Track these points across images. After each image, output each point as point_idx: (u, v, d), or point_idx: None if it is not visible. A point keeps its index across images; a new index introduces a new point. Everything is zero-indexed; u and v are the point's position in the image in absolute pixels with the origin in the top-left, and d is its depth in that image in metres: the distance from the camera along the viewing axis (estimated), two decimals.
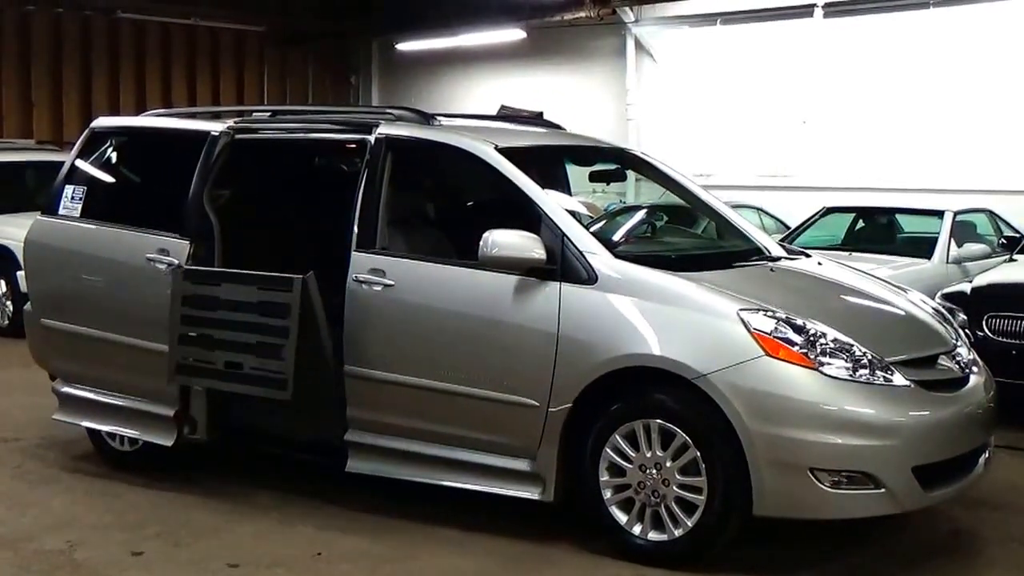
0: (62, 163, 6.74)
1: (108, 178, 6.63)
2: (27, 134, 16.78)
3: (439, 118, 5.94)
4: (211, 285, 5.55)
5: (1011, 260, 9.13)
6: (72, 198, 6.40)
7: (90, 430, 6.40)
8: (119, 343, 6.01)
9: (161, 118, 6.80)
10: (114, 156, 6.62)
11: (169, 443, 5.85)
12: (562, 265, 4.96)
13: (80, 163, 6.53)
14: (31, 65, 17.56)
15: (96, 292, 6.20)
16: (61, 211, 6.42)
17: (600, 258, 4.95)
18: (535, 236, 4.99)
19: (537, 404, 4.93)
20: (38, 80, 17.63)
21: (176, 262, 5.78)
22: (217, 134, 5.95)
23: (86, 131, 6.67)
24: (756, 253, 5.77)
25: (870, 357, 4.67)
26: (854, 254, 9.44)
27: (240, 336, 5.43)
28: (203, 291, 5.54)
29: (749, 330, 4.62)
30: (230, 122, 6.12)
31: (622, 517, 4.84)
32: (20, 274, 10.32)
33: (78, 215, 6.36)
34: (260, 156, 6.39)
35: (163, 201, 6.18)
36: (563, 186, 6.29)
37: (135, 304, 5.99)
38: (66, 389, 6.36)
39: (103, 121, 6.79)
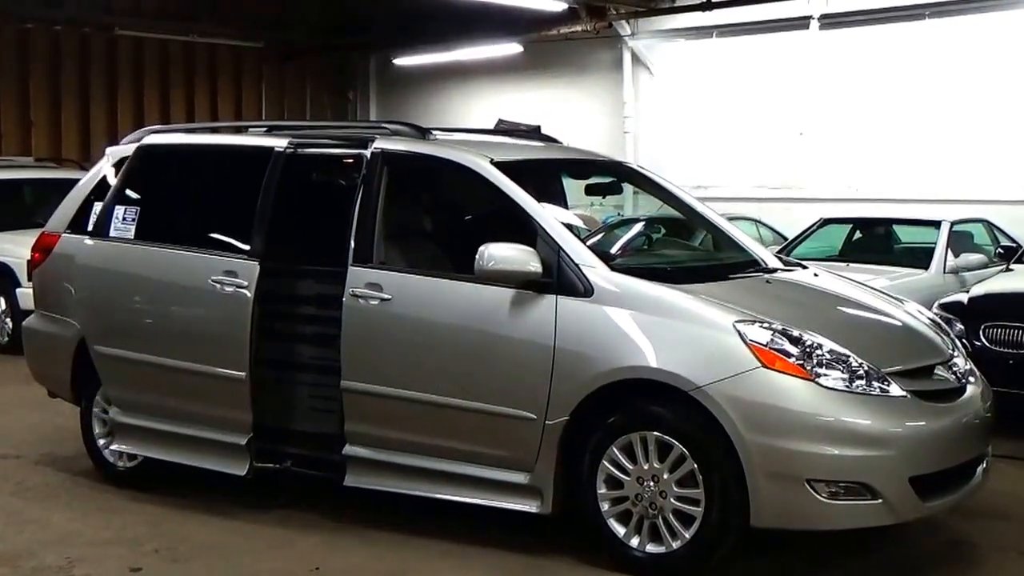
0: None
1: (162, 198, 6.38)
2: (26, 151, 16.82)
3: (435, 132, 5.96)
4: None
5: (1008, 270, 9.15)
6: (124, 219, 6.15)
7: (89, 446, 6.39)
8: (184, 369, 5.79)
9: (211, 135, 6.67)
10: (167, 175, 6.39)
11: (242, 472, 5.65)
12: (558, 278, 4.97)
13: (130, 183, 6.29)
14: (29, 82, 17.60)
15: (157, 316, 6.02)
16: (112, 233, 6.17)
17: (596, 271, 4.96)
18: (531, 249, 5.00)
19: (534, 417, 4.93)
20: (36, 97, 17.66)
21: (245, 283, 5.61)
22: (281, 150, 5.81)
23: (135, 149, 6.38)
24: (752, 265, 5.79)
25: (866, 368, 4.68)
26: (851, 265, 9.46)
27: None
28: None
29: (745, 342, 4.63)
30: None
31: (620, 529, 4.84)
32: (20, 291, 10.36)
33: (132, 237, 6.11)
34: (314, 171, 6.21)
35: (225, 220, 6.03)
36: (560, 199, 6.29)
37: (201, 328, 5.80)
38: (124, 418, 6.08)
39: (153, 139, 6.46)
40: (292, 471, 5.68)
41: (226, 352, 5.63)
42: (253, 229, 5.71)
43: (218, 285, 5.68)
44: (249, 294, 5.58)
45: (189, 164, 6.42)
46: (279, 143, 5.86)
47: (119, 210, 6.20)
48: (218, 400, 5.70)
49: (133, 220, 6.14)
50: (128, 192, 6.30)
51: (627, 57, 17.12)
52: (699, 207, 6.39)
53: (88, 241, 6.31)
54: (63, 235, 6.56)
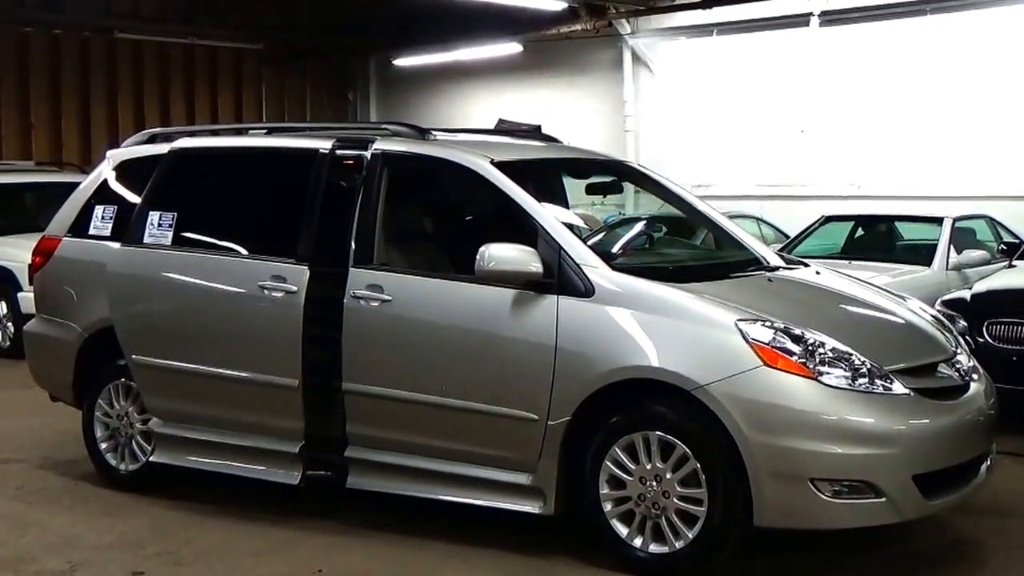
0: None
1: (199, 202, 6.19)
2: (26, 155, 16.83)
3: (435, 133, 5.95)
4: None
5: (1011, 266, 9.13)
6: (159, 225, 5.96)
7: (91, 449, 6.37)
8: (231, 378, 5.67)
9: (247, 138, 6.59)
10: (203, 178, 6.21)
11: (295, 482, 5.54)
12: (559, 278, 4.96)
13: (164, 188, 6.11)
14: (29, 86, 17.61)
15: (201, 324, 5.84)
16: (147, 239, 5.98)
17: (597, 271, 4.95)
18: (532, 250, 4.99)
19: (536, 418, 4.92)
20: (37, 101, 17.67)
21: (295, 289, 5.49)
22: (326, 152, 5.69)
23: (167, 153, 6.21)
24: (754, 263, 5.77)
25: (869, 366, 4.66)
26: (853, 262, 9.44)
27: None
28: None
29: (747, 340, 4.62)
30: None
31: (623, 530, 4.83)
32: (21, 295, 10.37)
33: (169, 243, 5.94)
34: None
35: (269, 224, 5.93)
36: (561, 199, 6.27)
37: (249, 335, 5.64)
38: (166, 430, 5.93)
39: (185, 142, 6.27)
40: (337, 479, 5.53)
41: (276, 359, 5.51)
42: (300, 232, 5.59)
43: (266, 291, 5.57)
44: (299, 299, 5.46)
45: (226, 167, 6.25)
46: (323, 144, 5.75)
47: (154, 216, 6.00)
48: (268, 408, 5.58)
49: (170, 226, 5.97)
50: (162, 197, 6.10)
51: (627, 56, 17.12)
52: (700, 206, 6.37)
53: (121, 248, 6.10)
54: (65, 239, 6.55)
